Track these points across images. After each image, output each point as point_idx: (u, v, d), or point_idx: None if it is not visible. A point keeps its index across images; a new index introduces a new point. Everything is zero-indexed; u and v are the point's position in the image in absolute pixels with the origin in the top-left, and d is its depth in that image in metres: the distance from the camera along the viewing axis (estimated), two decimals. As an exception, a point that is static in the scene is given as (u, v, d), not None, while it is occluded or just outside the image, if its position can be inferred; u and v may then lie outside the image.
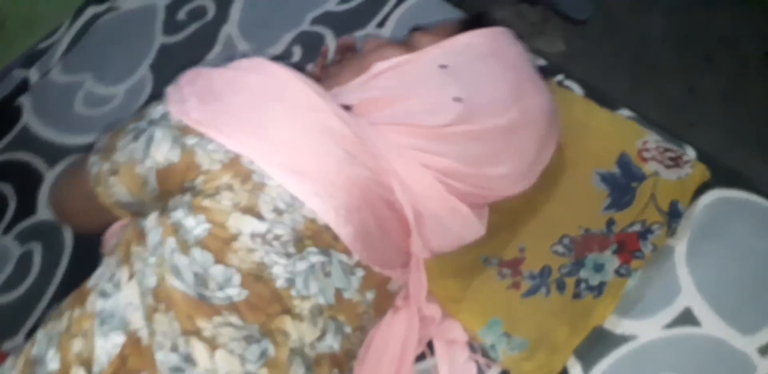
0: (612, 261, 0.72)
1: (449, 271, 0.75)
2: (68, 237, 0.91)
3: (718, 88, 1.45)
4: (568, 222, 0.75)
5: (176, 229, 0.58)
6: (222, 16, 1.07)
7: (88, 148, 0.95)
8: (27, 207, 0.96)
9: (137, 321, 0.58)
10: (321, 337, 0.60)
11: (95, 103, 1.04)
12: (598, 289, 0.71)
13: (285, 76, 0.61)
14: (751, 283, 0.72)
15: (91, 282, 0.64)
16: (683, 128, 1.39)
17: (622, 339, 0.72)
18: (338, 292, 0.61)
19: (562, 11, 1.64)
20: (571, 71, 0.88)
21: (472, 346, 0.74)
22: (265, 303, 0.57)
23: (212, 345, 0.56)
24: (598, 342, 0.72)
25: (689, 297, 0.72)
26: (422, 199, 0.64)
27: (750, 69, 1.46)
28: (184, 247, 0.57)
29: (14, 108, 1.06)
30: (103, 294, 0.60)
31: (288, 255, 0.58)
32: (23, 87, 1.08)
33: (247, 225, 0.57)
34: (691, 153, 0.79)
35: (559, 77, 0.87)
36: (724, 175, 0.77)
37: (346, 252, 0.60)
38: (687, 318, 0.71)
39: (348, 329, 0.63)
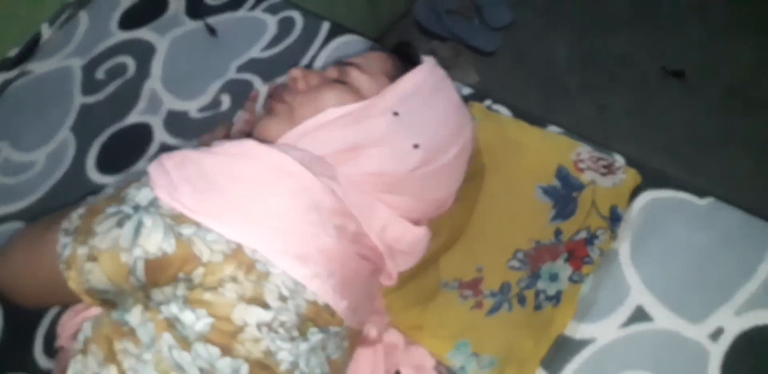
0: (565, 270, 0.74)
1: (411, 301, 0.75)
2: (-1, 314, 0.86)
3: (625, 103, 1.56)
4: (519, 237, 0.78)
5: (172, 324, 0.55)
6: (143, 72, 1.06)
7: (11, 218, 0.94)
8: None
9: None
10: None
11: (14, 171, 1.00)
12: (556, 298, 0.73)
13: (276, 158, 0.61)
14: (694, 275, 0.76)
15: None
16: (599, 144, 1.49)
17: (583, 343, 0.74)
18: (328, 358, 0.61)
19: (471, 45, 1.72)
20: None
21: (440, 370, 0.74)
22: None
23: None
24: (561, 349, 0.73)
25: (639, 294, 0.75)
26: (395, 241, 0.66)
27: (650, 83, 1.57)
28: (185, 343, 0.55)
29: (-77, 185, 1.00)
30: None
31: (292, 339, 0.57)
32: (-70, 163, 1.02)
33: (253, 316, 0.56)
34: (620, 160, 0.83)
35: (488, 102, 0.91)
36: (653, 177, 0.82)
37: (340, 324, 0.61)
38: (640, 315, 0.74)
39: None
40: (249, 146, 0.62)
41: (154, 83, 1.05)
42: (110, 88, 1.05)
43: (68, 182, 0.96)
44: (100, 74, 1.07)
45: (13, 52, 1.10)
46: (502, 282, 0.75)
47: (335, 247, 0.60)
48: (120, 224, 0.58)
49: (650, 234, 0.78)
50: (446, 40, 1.76)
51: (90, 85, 1.06)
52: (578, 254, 0.75)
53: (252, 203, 0.58)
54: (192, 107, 1.01)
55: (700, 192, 0.80)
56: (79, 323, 0.68)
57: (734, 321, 0.72)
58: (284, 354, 0.57)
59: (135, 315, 0.57)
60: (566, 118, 1.55)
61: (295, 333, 0.57)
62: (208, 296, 0.55)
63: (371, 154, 0.64)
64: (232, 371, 0.55)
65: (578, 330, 0.74)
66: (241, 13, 1.11)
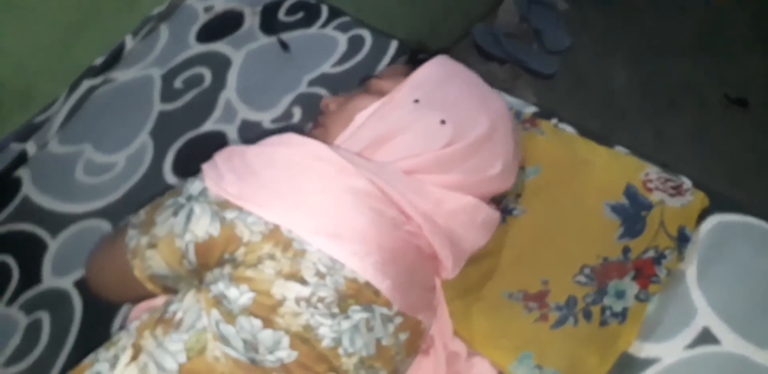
0: (632, 287, 0.75)
1: (475, 310, 0.76)
2: (77, 305, 0.90)
3: (685, 129, 1.55)
4: (586, 253, 0.78)
5: (219, 301, 0.60)
6: (219, 83, 1.11)
7: (93, 215, 0.99)
8: (32, 276, 0.95)
9: None
10: None
11: (96, 171, 1.05)
12: (622, 315, 0.73)
13: (312, 146, 0.66)
14: (761, 299, 0.75)
15: (88, 358, 0.65)
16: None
17: (647, 363, 0.73)
18: (378, 342, 0.62)
19: (529, 68, 1.74)
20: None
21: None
22: (313, 362, 0.59)
23: None
24: (624, 368, 0.73)
25: (706, 317, 0.74)
26: (449, 216, 0.68)
27: (711, 110, 1.56)
28: (230, 317, 0.59)
29: (13, 180, 1.06)
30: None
31: (333, 316, 0.60)
32: (21, 160, 1.09)
33: (291, 290, 0.59)
34: (687, 182, 0.83)
35: (554, 120, 0.92)
36: (721, 201, 0.82)
37: (387, 305, 0.63)
38: (706, 337, 0.73)
39: (383, 373, 0.64)
40: (287, 137, 0.67)
41: (229, 94, 1.09)
42: (187, 97, 1.10)
43: (146, 184, 1.01)
44: (178, 83, 1.13)
45: (98, 61, 1.17)
46: (568, 296, 0.76)
47: (371, 228, 0.62)
48: (175, 213, 0.64)
49: (717, 258, 0.78)
50: (504, 62, 1.78)
51: (168, 94, 1.11)
52: (646, 273, 0.75)
53: (288, 187, 0.63)
54: (265, 118, 1.05)
55: (770, 218, 0.80)
56: (139, 315, 0.72)
57: (804, 348, 0.71)
58: (325, 330, 0.59)
59: (188, 298, 0.62)
60: (624, 143, 1.56)
61: (336, 310, 0.60)
62: (249, 273, 0.59)
63: (402, 139, 0.69)
64: (273, 342, 0.58)
65: (643, 349, 0.74)
66: (313, 30, 1.15)
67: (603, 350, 0.72)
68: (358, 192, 0.63)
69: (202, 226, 0.62)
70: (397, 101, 0.72)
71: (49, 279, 0.94)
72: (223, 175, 0.64)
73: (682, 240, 0.77)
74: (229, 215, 0.61)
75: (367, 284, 0.61)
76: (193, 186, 0.66)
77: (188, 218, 0.63)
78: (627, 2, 1.79)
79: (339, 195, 0.63)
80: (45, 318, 0.90)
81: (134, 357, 0.60)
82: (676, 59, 1.66)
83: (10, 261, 0.97)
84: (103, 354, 0.64)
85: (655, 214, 0.78)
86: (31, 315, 0.91)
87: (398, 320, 0.64)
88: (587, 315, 0.74)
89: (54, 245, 0.98)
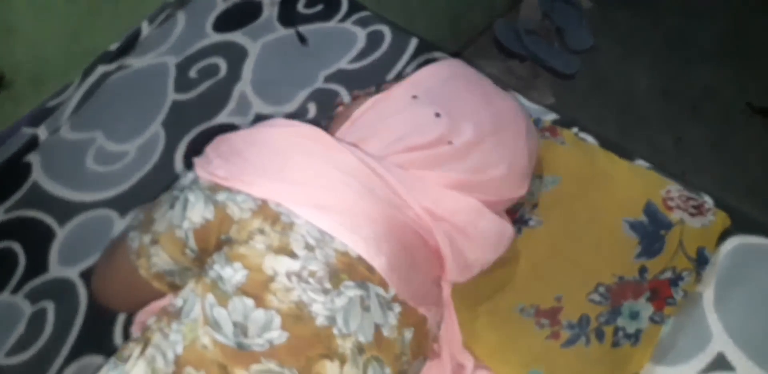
0: (646, 309, 0.73)
1: (485, 322, 0.75)
2: (82, 296, 0.89)
3: (705, 137, 1.52)
4: (602, 270, 0.76)
5: (215, 284, 0.58)
6: (234, 75, 1.09)
7: (101, 205, 0.98)
8: (38, 265, 0.94)
9: None
10: None
11: (107, 160, 1.04)
12: (635, 337, 0.72)
13: (297, 125, 0.66)
14: (781, 327, 0.73)
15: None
16: (675, 177, 1.45)
17: (658, 387, 0.72)
18: (377, 329, 0.60)
19: (550, 67, 1.71)
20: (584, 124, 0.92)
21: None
22: (305, 344, 0.57)
23: None
24: (635, 390, 0.72)
25: (721, 342, 0.72)
26: (448, 215, 0.66)
27: (734, 119, 1.53)
28: (223, 299, 0.57)
29: (23, 165, 1.05)
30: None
31: (325, 292, 0.58)
32: (32, 144, 1.07)
33: (282, 264, 0.58)
34: (709, 201, 0.81)
35: (574, 129, 0.90)
36: (743, 222, 0.79)
37: (383, 285, 0.61)
38: (721, 363, 0.71)
39: (388, 371, 0.61)
40: (274, 120, 0.69)
41: (244, 86, 1.07)
42: (202, 88, 1.08)
43: (156, 175, 1.00)
44: (193, 73, 1.11)
45: (113, 46, 1.15)
46: (581, 315, 0.74)
47: (361, 200, 0.61)
48: (171, 206, 0.64)
49: (737, 281, 0.75)
50: (524, 60, 1.75)
51: (183, 83, 1.09)
52: (662, 294, 0.73)
53: (273, 163, 0.63)
54: (279, 113, 1.03)
55: (794, 241, 0.77)
56: (145, 319, 0.72)
57: (821, 379, 0.69)
58: (318, 307, 0.57)
59: (185, 291, 0.61)
60: (642, 147, 1.54)
61: (328, 285, 0.58)
62: (242, 250, 0.59)
63: (391, 124, 0.68)
64: (264, 322, 0.57)
65: (654, 373, 0.72)
66: (332, 23, 1.13)
67: (614, 372, 0.71)
68: (347, 168, 0.63)
69: (198, 212, 0.62)
70: (394, 96, 0.71)
71: (55, 269, 0.93)
72: (211, 160, 0.65)
73: (701, 262, 0.75)
74: (220, 197, 0.62)
75: (360, 259, 0.60)
76: (186, 178, 0.66)
77: (184, 207, 0.63)
78: (653, 3, 1.75)
79: (325, 169, 0.63)
80: (50, 307, 0.90)
81: (142, 351, 0.59)
82: (701, 65, 1.62)
83: (17, 248, 0.97)
84: (114, 359, 0.62)
85: (673, 234, 0.76)
86: (36, 304, 0.90)
87: (398, 308, 0.62)
88: (599, 336, 0.72)
89: (62, 234, 0.97)
